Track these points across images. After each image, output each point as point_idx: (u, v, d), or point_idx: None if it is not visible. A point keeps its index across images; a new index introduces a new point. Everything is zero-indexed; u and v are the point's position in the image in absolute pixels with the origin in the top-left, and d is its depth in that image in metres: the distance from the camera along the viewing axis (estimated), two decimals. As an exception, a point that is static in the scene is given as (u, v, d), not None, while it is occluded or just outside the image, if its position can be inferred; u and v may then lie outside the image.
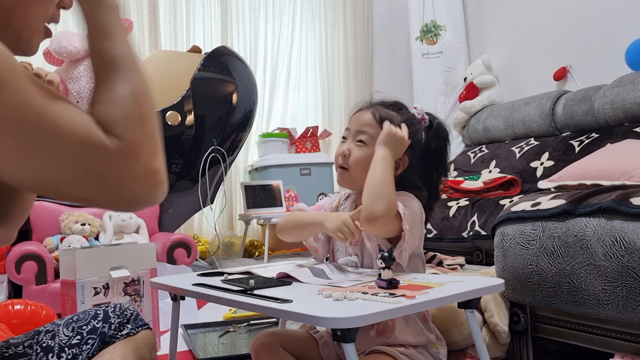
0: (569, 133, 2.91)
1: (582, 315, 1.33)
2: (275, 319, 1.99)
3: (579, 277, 1.27)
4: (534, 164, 2.88)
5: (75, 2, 0.66)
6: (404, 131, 1.19)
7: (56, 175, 0.56)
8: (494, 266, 1.53)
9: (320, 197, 3.71)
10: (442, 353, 1.18)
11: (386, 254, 1.00)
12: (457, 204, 2.63)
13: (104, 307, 0.93)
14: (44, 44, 2.90)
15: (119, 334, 0.90)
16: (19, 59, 0.66)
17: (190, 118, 3.06)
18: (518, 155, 3.03)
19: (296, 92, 4.35)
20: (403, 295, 0.90)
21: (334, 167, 4.08)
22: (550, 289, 1.34)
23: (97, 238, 2.64)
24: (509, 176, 2.80)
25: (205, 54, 3.30)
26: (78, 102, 2.99)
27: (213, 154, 3.12)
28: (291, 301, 0.88)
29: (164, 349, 1.75)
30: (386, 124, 1.19)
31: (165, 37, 3.84)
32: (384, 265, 1.00)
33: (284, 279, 1.11)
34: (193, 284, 1.10)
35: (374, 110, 1.25)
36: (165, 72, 3.11)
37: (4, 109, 0.52)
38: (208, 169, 3.12)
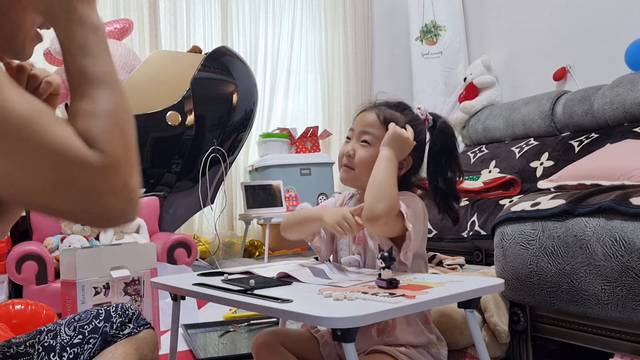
0: (569, 133, 2.91)
1: (581, 315, 1.34)
2: (275, 319, 2.00)
3: (578, 277, 1.27)
4: (533, 164, 2.88)
5: (53, 22, 0.64)
6: (409, 132, 1.19)
7: (34, 184, 0.56)
8: (493, 266, 1.53)
9: (321, 197, 3.71)
10: (443, 353, 1.18)
11: (386, 254, 1.00)
12: (457, 204, 2.63)
13: (105, 307, 0.94)
14: (44, 45, 2.90)
15: (121, 333, 0.90)
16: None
17: (190, 118, 3.06)
18: (518, 156, 3.03)
19: (296, 92, 4.36)
20: (403, 295, 0.90)
21: (333, 167, 4.10)
22: (550, 289, 1.35)
23: (97, 238, 2.64)
24: (509, 176, 2.81)
25: (206, 54, 3.30)
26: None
27: (213, 154, 3.13)
28: (291, 301, 0.88)
29: (164, 348, 1.75)
30: (392, 126, 1.19)
31: (165, 37, 3.85)
32: (384, 265, 1.00)
33: (284, 279, 1.12)
34: (193, 284, 1.10)
35: (378, 111, 1.25)
36: (166, 72, 3.11)
37: None
38: (208, 169, 3.12)
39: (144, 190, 2.97)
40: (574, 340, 1.39)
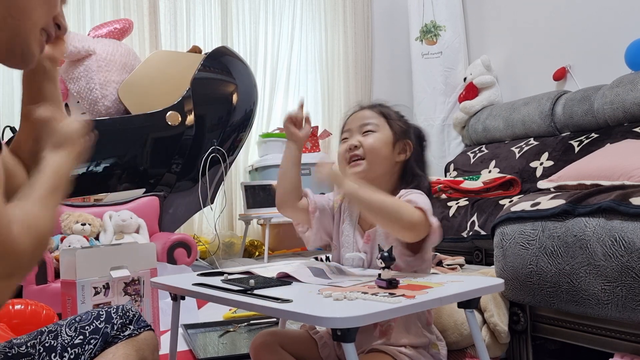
0: (569, 133, 2.91)
1: (581, 315, 1.34)
2: (275, 319, 2.00)
3: (578, 277, 1.28)
4: (533, 164, 2.88)
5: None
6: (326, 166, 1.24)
7: None
8: (493, 266, 1.53)
9: (321, 197, 3.70)
10: (443, 354, 1.18)
11: (386, 254, 1.00)
12: (456, 204, 2.63)
13: (106, 308, 0.94)
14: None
15: (122, 334, 0.90)
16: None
17: (190, 118, 3.06)
18: (518, 155, 3.03)
19: (296, 93, 4.35)
20: (403, 295, 0.90)
21: (333, 167, 4.08)
22: (550, 289, 1.35)
23: (97, 238, 2.64)
24: (509, 176, 2.81)
25: (206, 54, 3.30)
26: (78, 102, 3.00)
27: (213, 154, 3.13)
28: (291, 301, 0.88)
29: (164, 348, 1.75)
30: (322, 166, 1.25)
31: (165, 37, 3.85)
32: (383, 265, 1.00)
33: (284, 279, 1.12)
34: (193, 284, 1.10)
35: (370, 107, 1.29)
36: (166, 72, 3.12)
37: None
38: (208, 169, 3.13)
39: (144, 190, 2.98)
40: (574, 340, 1.39)
